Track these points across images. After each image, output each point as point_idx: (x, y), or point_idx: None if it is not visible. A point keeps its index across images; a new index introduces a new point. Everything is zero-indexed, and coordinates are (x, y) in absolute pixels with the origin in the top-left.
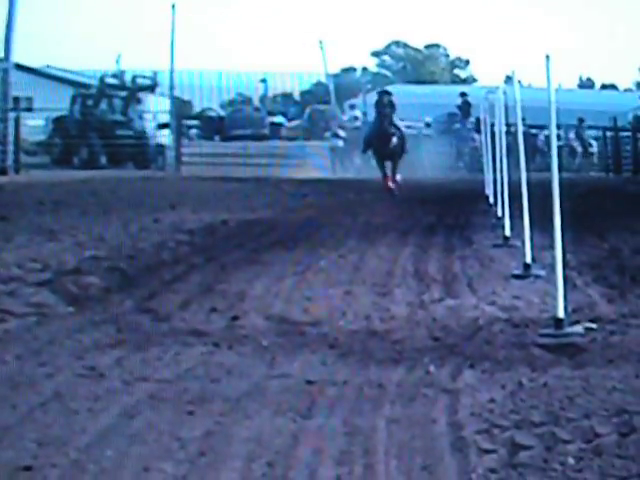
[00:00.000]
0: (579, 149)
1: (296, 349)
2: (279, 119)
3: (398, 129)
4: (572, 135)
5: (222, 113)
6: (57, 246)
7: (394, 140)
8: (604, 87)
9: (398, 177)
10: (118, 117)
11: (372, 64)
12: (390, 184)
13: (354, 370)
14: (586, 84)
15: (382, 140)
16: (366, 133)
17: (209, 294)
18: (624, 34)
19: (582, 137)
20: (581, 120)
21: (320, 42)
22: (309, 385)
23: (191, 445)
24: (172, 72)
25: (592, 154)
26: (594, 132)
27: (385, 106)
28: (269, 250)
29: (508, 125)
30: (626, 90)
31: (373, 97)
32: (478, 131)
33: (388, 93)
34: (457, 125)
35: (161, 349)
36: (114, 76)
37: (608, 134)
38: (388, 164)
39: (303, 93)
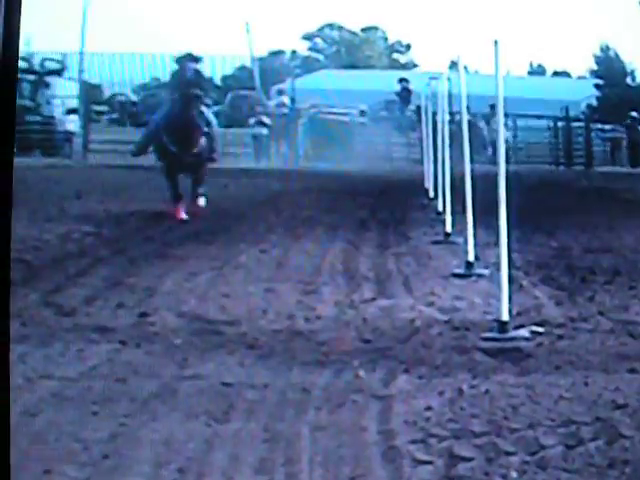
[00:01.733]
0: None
1: (211, 349)
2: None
3: (208, 123)
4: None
5: (134, 98)
6: None
7: (202, 141)
8: (556, 74)
9: (202, 201)
10: (26, 102)
11: (303, 48)
12: (182, 214)
13: (276, 372)
14: (537, 71)
15: (181, 139)
16: (148, 126)
17: (116, 289)
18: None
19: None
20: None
21: (246, 24)
22: (225, 387)
23: (95, 447)
24: (82, 54)
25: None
26: (544, 122)
27: (190, 83)
28: (183, 244)
29: (452, 114)
30: (579, 78)
31: (302, 82)
32: (419, 120)
33: (195, 59)
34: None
35: (65, 345)
36: (23, 59)
37: (559, 124)
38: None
39: (225, 78)
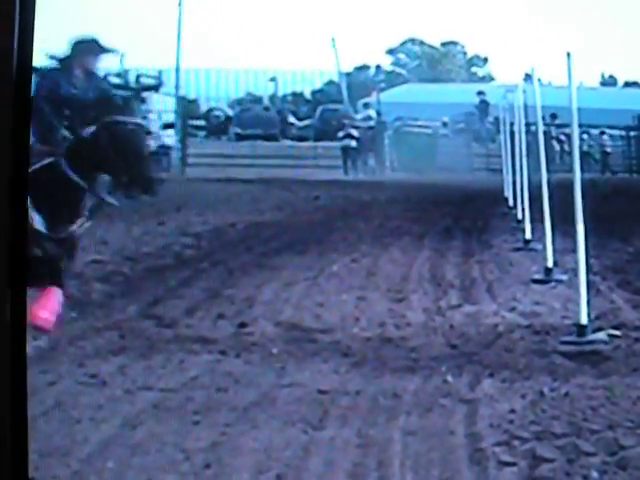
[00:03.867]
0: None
1: (307, 357)
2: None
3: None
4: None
5: (230, 112)
6: None
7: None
8: (627, 85)
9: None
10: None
11: (387, 62)
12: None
13: (368, 379)
14: (608, 82)
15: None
16: None
17: (216, 300)
18: None
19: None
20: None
21: (332, 40)
22: (321, 395)
23: (196, 456)
24: (178, 71)
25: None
26: (617, 132)
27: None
28: (278, 254)
29: (528, 125)
30: None
31: (386, 96)
32: (497, 131)
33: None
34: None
35: (165, 357)
36: (117, 75)
37: (632, 133)
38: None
39: (314, 92)
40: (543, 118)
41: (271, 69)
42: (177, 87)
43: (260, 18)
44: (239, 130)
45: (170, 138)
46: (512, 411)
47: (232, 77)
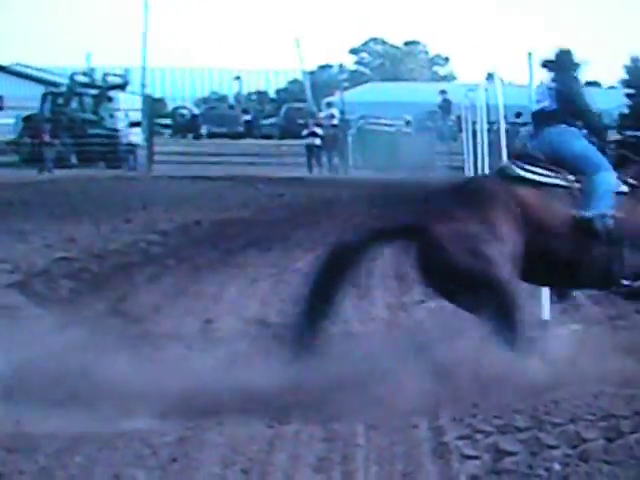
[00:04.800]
0: None
1: (273, 352)
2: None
3: None
4: None
5: (195, 111)
6: (27, 247)
7: None
8: (588, 84)
9: None
10: (89, 116)
11: (350, 61)
12: None
13: (333, 373)
14: None
15: None
16: None
17: (182, 296)
18: (608, 30)
19: None
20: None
21: (296, 40)
22: (286, 389)
23: (163, 451)
24: (144, 70)
25: None
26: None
27: None
28: (244, 251)
29: (490, 123)
30: (610, 88)
31: (350, 95)
32: (459, 129)
33: None
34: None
35: (133, 352)
36: (85, 74)
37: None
38: None
39: (279, 91)
40: (506, 117)
41: (236, 68)
42: (143, 86)
43: (226, 18)
44: (205, 128)
45: (137, 136)
46: (475, 405)
47: (198, 76)
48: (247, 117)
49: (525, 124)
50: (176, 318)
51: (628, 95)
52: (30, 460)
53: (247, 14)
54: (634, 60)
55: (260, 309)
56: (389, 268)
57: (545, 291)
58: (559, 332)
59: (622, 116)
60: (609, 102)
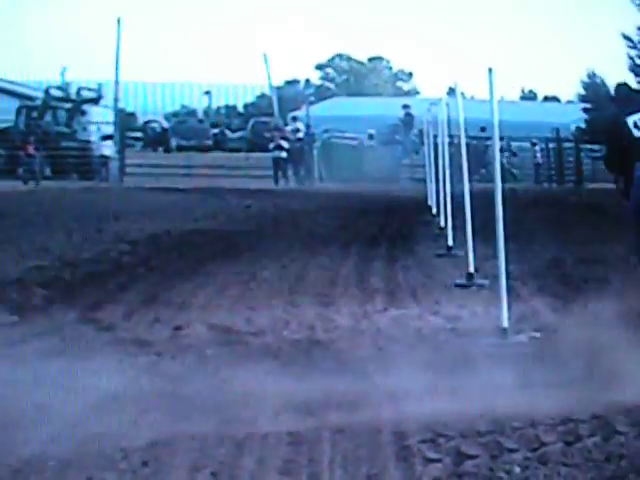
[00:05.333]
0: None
1: (240, 359)
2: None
3: None
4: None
5: (166, 125)
6: (1, 256)
7: None
8: (546, 99)
9: None
10: (62, 129)
11: (316, 77)
12: None
13: (298, 379)
14: (528, 96)
15: None
16: None
17: (152, 304)
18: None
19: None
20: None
21: (264, 55)
22: (252, 395)
23: (134, 455)
24: (117, 84)
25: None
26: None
27: None
28: (212, 260)
29: (451, 137)
30: (568, 102)
31: (315, 109)
32: (422, 143)
33: None
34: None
35: (104, 359)
36: (59, 88)
37: (551, 145)
38: None
39: (247, 105)
40: (466, 130)
41: (205, 83)
42: (116, 100)
43: (195, 34)
44: (175, 141)
45: (109, 149)
46: (437, 410)
47: (168, 90)
48: (215, 130)
49: (489, 138)
50: (146, 325)
51: (585, 110)
52: (3, 464)
53: (217, 30)
54: (590, 76)
55: (227, 316)
56: (352, 277)
57: (504, 299)
58: (518, 339)
59: (579, 129)
60: (567, 116)
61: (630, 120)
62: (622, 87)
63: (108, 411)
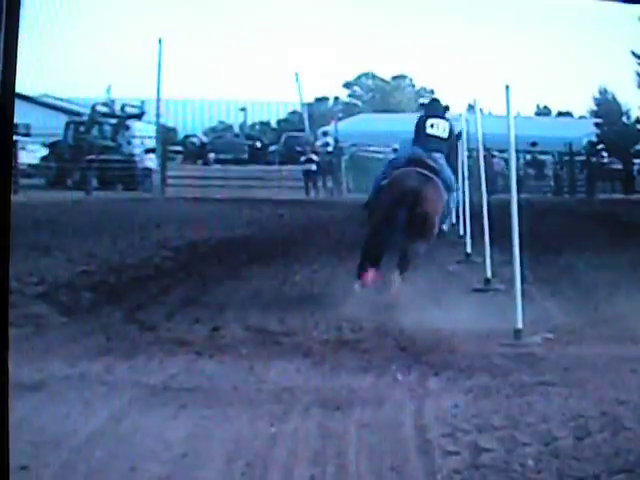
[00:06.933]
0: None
1: (272, 357)
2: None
3: None
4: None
5: (204, 139)
6: (52, 262)
7: None
8: (560, 114)
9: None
10: (108, 142)
11: (344, 94)
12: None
13: (326, 377)
14: (543, 112)
15: None
16: None
17: (192, 306)
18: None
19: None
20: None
21: (296, 74)
22: (285, 391)
23: (175, 446)
24: (158, 101)
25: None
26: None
27: None
28: (247, 266)
29: (470, 150)
30: (581, 117)
31: (344, 125)
32: None
33: None
34: None
35: (147, 357)
36: (104, 105)
37: (564, 159)
38: None
39: (280, 121)
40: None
41: (241, 100)
42: (158, 116)
43: (231, 54)
44: (213, 155)
45: (152, 162)
46: (456, 406)
47: (206, 107)
48: (257, 144)
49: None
50: (186, 325)
51: (596, 124)
52: (54, 454)
53: (252, 50)
54: (602, 92)
55: (261, 318)
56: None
57: (519, 302)
58: (533, 340)
59: (590, 144)
60: (579, 131)
61: None
62: None
63: (150, 406)
